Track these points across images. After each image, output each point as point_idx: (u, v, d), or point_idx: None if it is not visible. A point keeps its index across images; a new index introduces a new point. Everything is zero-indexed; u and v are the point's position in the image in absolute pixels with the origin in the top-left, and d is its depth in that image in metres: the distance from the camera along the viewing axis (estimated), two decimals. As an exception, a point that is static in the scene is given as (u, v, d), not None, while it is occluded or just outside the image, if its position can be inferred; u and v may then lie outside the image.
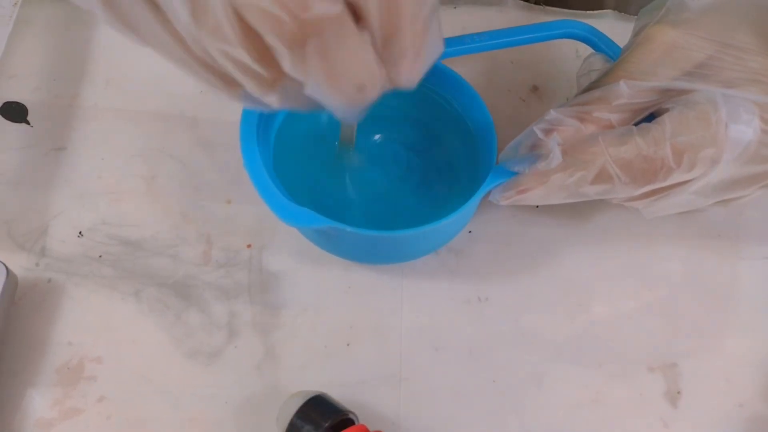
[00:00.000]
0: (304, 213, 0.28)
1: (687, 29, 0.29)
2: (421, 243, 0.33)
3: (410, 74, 0.22)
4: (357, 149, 0.35)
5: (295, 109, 0.24)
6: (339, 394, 0.31)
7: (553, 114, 0.30)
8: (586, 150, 0.28)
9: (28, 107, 0.37)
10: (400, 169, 0.35)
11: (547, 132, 0.29)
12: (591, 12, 0.42)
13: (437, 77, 0.35)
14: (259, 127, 0.30)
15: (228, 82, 0.23)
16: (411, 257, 0.35)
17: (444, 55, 0.34)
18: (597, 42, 0.34)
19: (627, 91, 0.29)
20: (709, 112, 0.27)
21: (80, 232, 0.34)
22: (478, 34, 0.34)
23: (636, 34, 0.31)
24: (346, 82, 0.21)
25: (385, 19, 0.20)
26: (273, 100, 0.23)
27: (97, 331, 0.32)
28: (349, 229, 0.29)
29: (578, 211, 0.37)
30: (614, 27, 0.37)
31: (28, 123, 0.36)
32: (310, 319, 0.33)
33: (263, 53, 0.21)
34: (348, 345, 0.33)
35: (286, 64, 0.21)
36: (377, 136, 0.35)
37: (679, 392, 0.33)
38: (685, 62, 0.29)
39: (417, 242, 0.33)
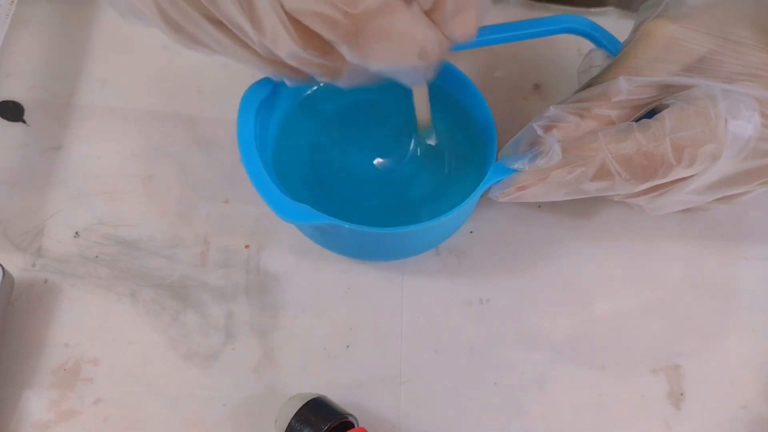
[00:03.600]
0: (302, 209, 0.28)
1: (686, 23, 0.29)
2: (420, 239, 0.33)
3: (465, 28, 0.23)
4: (356, 145, 0.34)
5: (364, 84, 0.25)
6: (338, 396, 0.30)
7: (552, 111, 0.29)
8: (585, 146, 0.28)
9: (25, 106, 0.37)
10: (399, 164, 0.34)
11: (547, 129, 0.29)
12: (593, 9, 0.42)
13: (439, 73, 0.34)
14: (257, 123, 0.30)
15: (299, 73, 0.25)
16: (410, 254, 0.34)
17: None
18: (598, 37, 0.34)
19: (626, 87, 0.29)
20: (709, 107, 0.27)
21: (76, 233, 0.34)
22: (479, 28, 0.33)
23: (636, 29, 0.31)
24: (406, 54, 0.23)
25: None
26: (343, 83, 0.25)
27: (94, 333, 0.32)
28: (347, 225, 0.29)
29: (580, 210, 0.36)
30: (617, 24, 0.36)
31: (24, 122, 0.36)
32: (308, 320, 0.33)
33: (325, 47, 0.22)
34: (347, 347, 0.33)
35: (347, 54, 0.22)
36: (377, 132, 0.35)
37: (682, 394, 0.33)
38: (684, 57, 0.29)
39: (416, 239, 0.33)
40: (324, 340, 0.33)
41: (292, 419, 0.28)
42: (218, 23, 0.23)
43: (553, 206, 0.36)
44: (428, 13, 0.22)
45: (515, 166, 0.30)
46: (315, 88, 0.35)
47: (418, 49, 0.22)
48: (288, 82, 0.26)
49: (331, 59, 0.23)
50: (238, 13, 0.21)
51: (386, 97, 0.34)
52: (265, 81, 0.31)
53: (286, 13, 0.21)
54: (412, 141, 0.35)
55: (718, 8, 0.29)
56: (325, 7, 0.20)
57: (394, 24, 0.21)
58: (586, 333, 0.34)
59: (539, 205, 0.36)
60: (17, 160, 0.35)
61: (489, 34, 0.33)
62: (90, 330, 0.32)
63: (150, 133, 0.36)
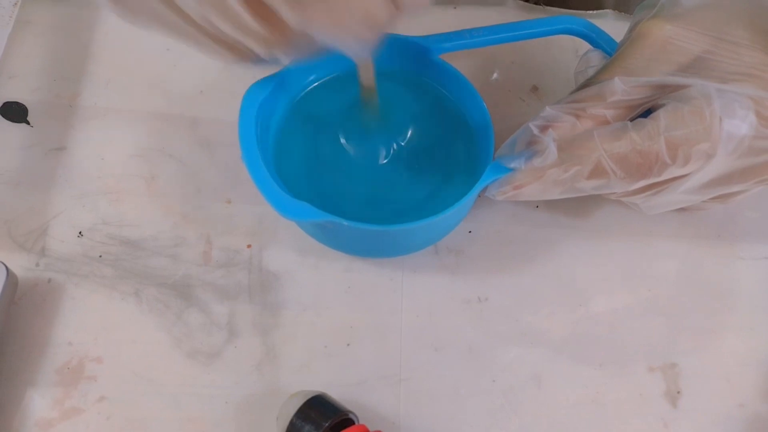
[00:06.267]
0: (302, 207, 0.28)
1: (681, 24, 0.29)
2: (418, 237, 0.33)
3: None
4: (356, 144, 0.35)
5: (306, 58, 0.24)
6: (339, 394, 0.31)
7: (548, 111, 0.30)
8: (581, 145, 0.28)
9: (29, 107, 0.37)
10: (398, 163, 0.35)
11: (543, 128, 0.29)
12: (590, 12, 0.42)
13: (438, 73, 0.35)
14: (258, 121, 0.30)
15: (236, 50, 0.23)
16: (409, 251, 0.35)
17: (444, 50, 0.34)
18: (594, 38, 0.34)
19: (622, 88, 0.29)
20: (703, 106, 0.27)
21: (80, 232, 0.34)
22: (477, 29, 0.34)
23: (631, 29, 0.31)
24: (350, 16, 0.21)
25: None
26: (283, 54, 0.23)
27: (97, 331, 0.32)
28: (346, 223, 0.29)
29: (577, 210, 0.37)
30: (614, 26, 0.37)
31: (28, 123, 0.36)
32: (310, 319, 0.33)
33: (264, 13, 0.21)
34: (348, 345, 0.33)
35: (286, 15, 0.21)
36: (376, 131, 0.35)
37: (679, 392, 0.33)
38: (679, 57, 0.29)
39: (415, 236, 0.33)
40: (325, 338, 0.33)
41: (293, 416, 0.28)
42: None
43: (551, 206, 0.36)
44: None
45: (512, 165, 0.30)
46: (314, 85, 0.35)
47: (362, 12, 0.21)
48: (228, 63, 0.25)
49: (269, 26, 0.22)
50: None
51: (384, 96, 0.34)
52: (266, 81, 0.31)
53: None
54: (411, 139, 0.35)
55: (713, 9, 0.30)
56: None
57: None
58: (583, 331, 0.34)
59: (537, 205, 0.37)
60: (21, 161, 0.35)
61: (487, 35, 0.34)
62: (93, 328, 0.32)
63: (153, 134, 0.37)
